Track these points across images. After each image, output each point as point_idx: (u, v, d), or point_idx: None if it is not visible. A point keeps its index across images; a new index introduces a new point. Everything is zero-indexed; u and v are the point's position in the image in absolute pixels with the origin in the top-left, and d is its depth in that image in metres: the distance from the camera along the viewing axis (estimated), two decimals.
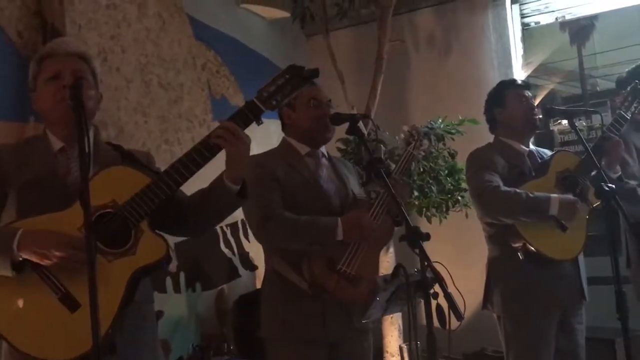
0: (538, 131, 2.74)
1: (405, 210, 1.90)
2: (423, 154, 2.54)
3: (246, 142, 1.64)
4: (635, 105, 2.57)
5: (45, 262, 1.52)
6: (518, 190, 2.49)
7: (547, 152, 2.72)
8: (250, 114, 1.67)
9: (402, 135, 2.47)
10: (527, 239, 2.46)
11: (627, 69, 2.97)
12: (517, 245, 2.50)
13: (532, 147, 2.70)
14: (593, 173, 2.43)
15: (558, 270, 2.51)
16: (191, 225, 1.80)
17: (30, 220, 1.58)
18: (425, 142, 2.44)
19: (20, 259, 1.52)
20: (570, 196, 2.48)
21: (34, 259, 1.52)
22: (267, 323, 2.23)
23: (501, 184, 2.53)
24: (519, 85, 2.74)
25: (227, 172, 1.67)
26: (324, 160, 2.35)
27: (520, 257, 2.50)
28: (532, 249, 2.45)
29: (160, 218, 1.67)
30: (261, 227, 2.16)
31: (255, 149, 2.20)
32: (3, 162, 1.68)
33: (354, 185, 2.38)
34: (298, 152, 2.30)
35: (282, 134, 2.38)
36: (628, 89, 2.61)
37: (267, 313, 2.24)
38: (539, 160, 2.65)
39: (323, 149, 2.39)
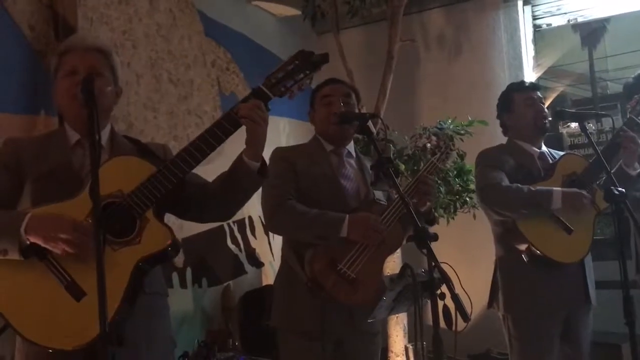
0: (548, 134, 2.72)
1: (414, 211, 1.89)
2: (448, 167, 2.50)
3: (266, 120, 1.67)
4: None
5: (51, 246, 1.53)
6: (520, 185, 2.48)
7: (560, 154, 2.70)
8: None
9: (429, 145, 2.45)
10: (531, 241, 2.45)
11: (634, 75, 2.95)
12: (521, 247, 2.49)
13: (544, 148, 2.68)
14: (603, 178, 2.41)
15: (562, 272, 2.49)
16: (216, 210, 1.82)
17: (39, 209, 1.59)
18: (452, 156, 2.39)
19: (28, 242, 1.53)
20: (574, 189, 2.46)
21: (41, 242, 1.53)
22: (274, 313, 2.29)
23: (506, 181, 2.52)
24: (527, 88, 2.71)
25: (248, 150, 1.69)
26: (349, 159, 2.36)
27: (525, 260, 2.49)
28: (537, 251, 2.44)
29: (182, 204, 1.71)
30: (272, 215, 2.21)
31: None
32: (22, 153, 1.71)
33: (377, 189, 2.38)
34: (324, 149, 2.33)
35: (292, 132, 2.39)
36: None
37: (275, 303, 2.29)
38: (550, 162, 2.64)
39: (351, 148, 2.40)
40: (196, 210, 1.80)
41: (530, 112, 2.63)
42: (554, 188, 2.46)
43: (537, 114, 2.62)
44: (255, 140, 1.67)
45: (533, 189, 2.47)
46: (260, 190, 1.92)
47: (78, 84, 1.59)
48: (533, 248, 2.45)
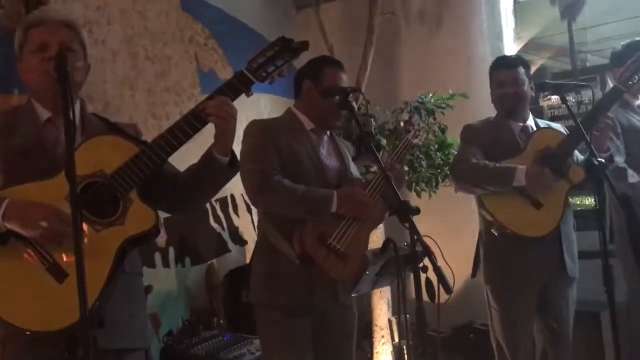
0: (531, 106, 2.73)
1: (397, 186, 1.90)
2: (421, 143, 2.56)
3: (235, 116, 1.65)
4: (636, 77, 2.47)
5: (31, 234, 1.50)
6: (487, 162, 2.49)
7: (546, 124, 2.71)
8: (240, 85, 1.67)
9: (402, 124, 2.47)
10: (496, 217, 2.48)
11: (622, 43, 2.95)
12: (490, 222, 2.52)
13: (529, 122, 2.68)
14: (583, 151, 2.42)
15: (537, 244, 2.51)
16: (185, 201, 1.81)
17: (15, 189, 1.56)
18: (424, 133, 2.46)
19: (5, 229, 1.51)
20: (538, 167, 2.46)
21: (20, 230, 1.50)
22: (254, 289, 2.26)
23: (479, 157, 2.54)
24: (498, 66, 2.69)
25: (216, 145, 1.67)
26: (326, 138, 2.37)
27: (496, 234, 2.52)
28: (504, 226, 2.47)
29: (154, 194, 1.67)
30: (260, 192, 2.16)
31: (245, 123, 2.18)
32: None
33: (353, 167, 2.41)
34: (303, 126, 2.31)
35: (272, 108, 2.37)
36: (633, 59, 2.50)
37: (255, 279, 2.26)
38: None
39: None
40: (168, 201, 1.77)
41: (496, 93, 2.66)
42: (518, 166, 2.46)
43: (501, 96, 2.63)
44: (225, 136, 1.66)
45: (498, 165, 2.48)
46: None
47: (49, 60, 1.55)
48: (498, 222, 2.48)
